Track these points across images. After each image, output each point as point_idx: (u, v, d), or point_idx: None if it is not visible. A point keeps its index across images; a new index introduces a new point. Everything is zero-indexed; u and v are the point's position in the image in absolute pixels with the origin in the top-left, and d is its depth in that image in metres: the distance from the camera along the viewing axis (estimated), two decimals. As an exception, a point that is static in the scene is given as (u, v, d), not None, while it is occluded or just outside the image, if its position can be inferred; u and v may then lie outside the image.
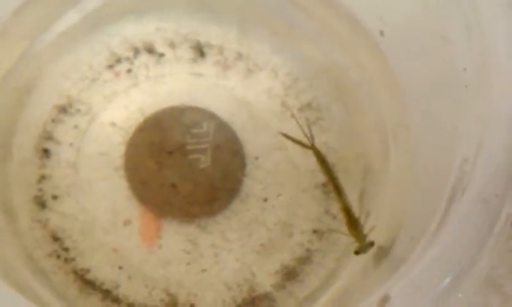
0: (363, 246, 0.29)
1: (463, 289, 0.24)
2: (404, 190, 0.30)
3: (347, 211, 0.30)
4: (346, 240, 0.31)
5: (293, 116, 0.32)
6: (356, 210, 0.30)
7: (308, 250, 0.31)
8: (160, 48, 0.33)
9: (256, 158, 0.32)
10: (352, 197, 0.31)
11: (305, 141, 0.31)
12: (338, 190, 0.30)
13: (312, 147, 0.31)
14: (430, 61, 0.28)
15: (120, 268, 0.30)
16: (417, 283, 0.23)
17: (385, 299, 0.22)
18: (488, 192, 0.24)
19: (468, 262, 0.23)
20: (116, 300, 0.30)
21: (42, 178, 0.31)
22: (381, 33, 0.31)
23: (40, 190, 0.31)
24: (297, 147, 0.32)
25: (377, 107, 0.32)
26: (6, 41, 0.32)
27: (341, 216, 0.30)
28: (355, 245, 0.29)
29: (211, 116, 0.33)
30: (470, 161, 0.25)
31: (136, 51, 0.33)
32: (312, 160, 0.32)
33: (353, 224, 0.29)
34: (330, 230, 0.31)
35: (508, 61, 0.25)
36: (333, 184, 0.30)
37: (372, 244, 0.29)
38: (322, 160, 0.31)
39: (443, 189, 0.25)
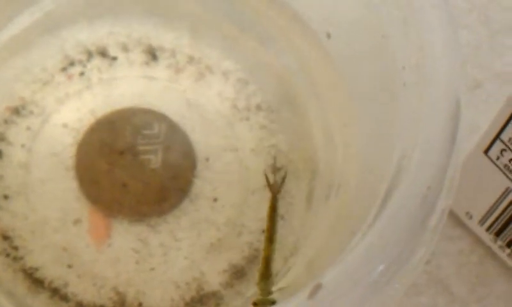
0: (264, 301, 0.29)
1: (399, 280, 0.24)
2: (348, 190, 0.30)
3: (268, 263, 0.30)
4: (293, 241, 0.31)
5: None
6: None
7: (256, 250, 0.31)
8: (113, 51, 0.34)
9: (207, 159, 0.33)
10: (300, 200, 0.32)
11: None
12: (271, 241, 0.30)
13: (274, 193, 0.31)
14: (373, 61, 0.29)
15: (69, 266, 0.31)
16: (349, 272, 0.23)
17: (317, 287, 0.23)
18: (421, 185, 0.24)
19: (403, 253, 0.24)
20: (64, 298, 0.30)
21: (-7, 178, 0.32)
22: (328, 35, 0.31)
23: (-9, 189, 0.31)
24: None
25: (324, 108, 0.33)
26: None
27: (261, 265, 0.30)
28: (257, 298, 0.29)
29: (162, 118, 0.33)
30: (407, 157, 0.25)
31: (89, 54, 0.34)
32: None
33: (266, 277, 0.29)
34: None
35: (443, 57, 0.25)
36: (270, 233, 0.30)
37: (273, 303, 0.28)
38: (273, 208, 0.31)
39: (382, 185, 0.26)
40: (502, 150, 0.29)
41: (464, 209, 0.32)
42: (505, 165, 0.29)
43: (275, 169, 0.32)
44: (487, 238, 0.32)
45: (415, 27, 0.26)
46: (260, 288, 0.29)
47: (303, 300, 0.23)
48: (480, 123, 0.30)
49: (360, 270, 0.23)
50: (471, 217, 0.32)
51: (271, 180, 0.31)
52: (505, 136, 0.28)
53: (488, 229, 0.32)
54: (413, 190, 0.24)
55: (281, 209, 0.32)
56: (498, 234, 0.32)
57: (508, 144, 0.29)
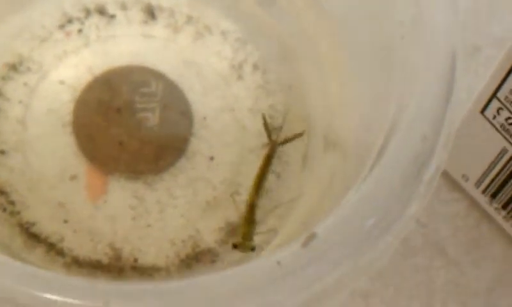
0: (244, 245, 0.29)
1: (392, 233, 0.24)
2: (344, 148, 0.30)
3: (253, 209, 0.30)
4: (289, 199, 0.31)
5: (266, 127, 0.32)
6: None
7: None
8: (111, 9, 0.34)
9: (204, 118, 0.33)
10: (296, 160, 0.32)
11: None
12: (259, 188, 0.30)
13: (272, 143, 0.32)
14: (370, 17, 0.29)
15: (65, 222, 0.31)
16: (342, 222, 0.23)
17: (311, 236, 0.23)
18: (416, 136, 0.24)
19: (396, 206, 0.24)
20: (60, 253, 0.30)
21: (-10, 133, 0.32)
22: (326, -7, 0.31)
23: (-12, 145, 0.31)
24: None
25: (322, 68, 0.33)
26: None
27: (245, 209, 0.30)
28: (237, 240, 0.29)
29: (160, 77, 0.33)
30: (402, 110, 0.25)
31: (88, 12, 0.34)
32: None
33: (250, 222, 0.30)
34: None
35: (440, 10, 0.25)
36: (259, 180, 0.31)
37: (253, 249, 0.29)
38: (269, 156, 0.31)
39: (377, 141, 0.26)
40: (499, 109, 0.29)
41: (461, 171, 0.32)
42: (502, 125, 0.29)
43: (267, 125, 0.32)
44: (483, 200, 0.32)
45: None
46: (243, 232, 0.30)
47: (297, 248, 0.23)
48: (480, 87, 0.30)
49: (353, 221, 0.23)
50: (467, 180, 0.32)
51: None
52: (501, 94, 0.28)
53: (483, 191, 0.32)
54: (408, 142, 0.24)
55: (278, 168, 0.32)
56: (493, 196, 0.32)
57: (505, 102, 0.29)
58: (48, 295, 0.22)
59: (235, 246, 0.29)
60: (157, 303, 0.22)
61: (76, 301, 0.22)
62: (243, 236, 0.29)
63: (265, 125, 0.32)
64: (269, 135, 0.32)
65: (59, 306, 0.22)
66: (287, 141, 0.32)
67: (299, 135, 0.32)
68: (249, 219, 0.30)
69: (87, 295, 0.22)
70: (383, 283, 0.32)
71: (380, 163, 0.24)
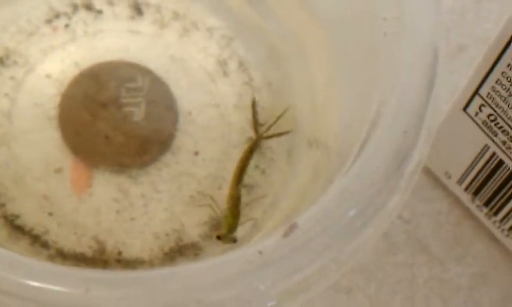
0: (227, 236, 0.30)
1: (373, 225, 0.24)
2: (328, 144, 0.30)
3: (237, 201, 0.30)
4: (273, 194, 0.32)
5: (253, 115, 0.32)
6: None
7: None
8: (98, 5, 0.34)
9: (189, 114, 0.33)
10: (280, 156, 0.32)
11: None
12: (241, 179, 0.31)
13: (258, 136, 0.32)
14: (355, 14, 0.29)
15: (50, 214, 0.31)
16: (323, 213, 0.23)
17: (292, 226, 0.23)
18: (397, 130, 0.24)
19: (378, 198, 0.24)
20: (44, 245, 0.30)
21: (-24, 126, 0.32)
22: (312, -9, 0.32)
23: (-26, 138, 0.32)
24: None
25: (307, 66, 0.33)
26: None
27: (226, 200, 0.30)
28: (221, 232, 0.30)
29: (146, 72, 0.33)
30: (385, 103, 0.25)
31: (75, 7, 0.34)
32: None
33: (234, 214, 0.30)
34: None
35: (422, 7, 0.26)
36: (240, 172, 0.31)
37: (235, 241, 0.29)
38: (251, 150, 0.31)
39: (360, 135, 0.26)
40: (481, 105, 0.29)
41: (444, 169, 0.33)
42: (484, 121, 0.29)
43: (255, 111, 0.32)
44: (465, 198, 0.33)
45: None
46: (227, 224, 0.30)
47: (279, 238, 0.23)
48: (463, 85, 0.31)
49: (334, 212, 0.24)
50: (450, 177, 0.33)
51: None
52: (483, 91, 0.29)
53: (466, 188, 0.32)
54: (389, 135, 0.24)
55: (262, 164, 0.32)
56: (475, 193, 0.32)
57: (487, 99, 0.29)
58: (30, 282, 0.22)
59: (218, 238, 0.30)
60: (139, 290, 0.22)
61: (58, 288, 0.22)
62: (228, 228, 0.30)
63: (254, 111, 0.32)
64: (255, 124, 0.32)
65: (41, 292, 0.22)
66: (272, 136, 0.32)
67: (286, 132, 0.32)
68: (235, 211, 0.30)
69: (68, 282, 0.22)
70: (365, 278, 0.32)
71: (362, 156, 0.24)
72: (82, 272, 0.23)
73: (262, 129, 0.32)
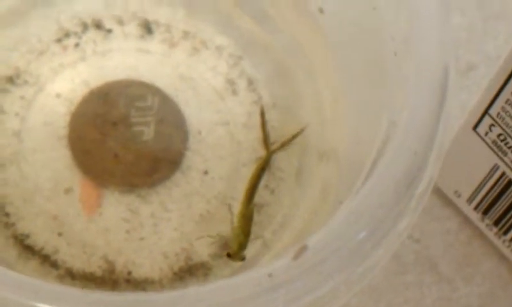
0: (236, 255, 0.30)
1: (384, 246, 0.24)
2: (337, 162, 0.30)
3: (249, 220, 0.30)
4: (283, 215, 0.32)
5: (263, 126, 0.33)
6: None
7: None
8: (108, 24, 0.34)
9: (199, 133, 0.33)
10: (289, 175, 0.32)
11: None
12: (252, 197, 0.31)
13: (268, 152, 0.32)
14: (364, 33, 0.29)
15: (60, 234, 0.31)
16: (334, 235, 0.23)
17: (303, 248, 0.23)
18: (407, 151, 0.24)
19: (388, 219, 0.24)
20: (54, 265, 0.30)
21: (-14, 145, 0.32)
22: (320, 10, 0.32)
23: (-16, 157, 0.32)
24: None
25: (316, 84, 0.33)
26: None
27: (237, 218, 0.31)
28: (231, 250, 0.30)
29: (156, 91, 0.33)
30: (395, 125, 0.25)
31: (85, 26, 0.34)
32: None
33: (245, 232, 0.30)
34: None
35: (432, 27, 0.26)
36: (252, 189, 0.31)
37: (243, 259, 0.30)
38: (262, 168, 0.32)
39: (370, 154, 0.26)
40: (491, 125, 0.29)
41: (453, 188, 0.33)
42: (494, 141, 0.29)
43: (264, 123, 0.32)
44: (475, 217, 0.33)
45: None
46: (238, 242, 0.30)
47: (288, 261, 0.23)
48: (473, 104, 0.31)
49: (344, 234, 0.24)
50: (459, 196, 0.33)
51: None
52: (493, 111, 0.29)
53: (475, 208, 0.32)
54: (399, 156, 0.24)
55: (271, 183, 0.32)
56: (485, 212, 0.32)
57: (496, 119, 0.29)
58: (40, 304, 0.22)
59: (228, 255, 0.30)
60: (149, 313, 0.22)
61: (68, 310, 0.22)
62: (238, 246, 0.30)
63: (263, 123, 0.32)
64: (266, 138, 0.32)
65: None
66: (282, 145, 0.32)
67: (295, 137, 0.32)
68: (245, 231, 0.30)
69: (78, 304, 0.22)
70: (375, 298, 0.32)
71: (372, 177, 0.24)
72: (91, 294, 0.23)
73: (272, 146, 0.32)
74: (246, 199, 0.31)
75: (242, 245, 0.30)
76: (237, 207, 0.31)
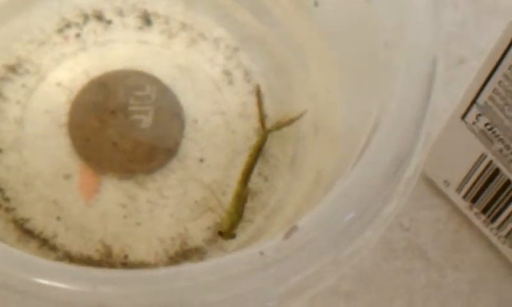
0: (227, 233, 0.31)
1: (372, 228, 0.25)
2: (329, 150, 0.31)
3: (243, 201, 0.31)
4: (276, 201, 0.32)
5: (259, 106, 0.34)
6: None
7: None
8: (108, 15, 0.35)
9: (196, 121, 0.34)
10: (283, 162, 0.33)
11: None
12: (248, 178, 0.32)
13: (265, 131, 0.33)
14: (357, 26, 0.30)
15: (58, 219, 0.32)
16: (323, 217, 0.24)
17: (293, 229, 0.24)
18: (395, 137, 0.25)
19: (375, 202, 0.25)
20: (53, 248, 0.31)
21: (-12, 132, 0.33)
22: (315, 3, 0.32)
23: (-14, 143, 0.33)
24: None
25: (310, 75, 0.34)
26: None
27: (232, 197, 0.32)
28: (223, 228, 0.31)
29: (154, 81, 0.34)
30: (384, 113, 0.26)
31: (86, 17, 0.35)
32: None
33: (238, 213, 0.31)
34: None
35: (422, 20, 0.27)
36: (248, 169, 0.32)
37: (233, 236, 0.31)
38: (259, 147, 0.32)
39: (360, 141, 0.27)
40: (478, 115, 0.30)
41: (443, 177, 0.33)
42: (481, 130, 0.30)
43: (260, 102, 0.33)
44: (463, 205, 0.33)
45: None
46: (229, 220, 0.31)
47: (279, 240, 0.24)
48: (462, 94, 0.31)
49: (333, 216, 0.24)
50: (448, 185, 0.33)
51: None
52: (480, 100, 0.29)
53: (464, 196, 0.33)
54: (388, 142, 0.25)
55: (266, 171, 0.33)
56: (474, 201, 0.33)
57: (484, 108, 0.30)
58: (40, 280, 0.23)
59: (220, 233, 0.31)
60: (143, 288, 0.23)
61: (66, 286, 0.23)
62: (229, 224, 0.31)
63: (259, 102, 0.33)
64: (262, 117, 0.33)
65: (51, 290, 0.23)
66: (278, 125, 0.33)
67: (296, 119, 0.33)
68: (238, 211, 0.31)
69: (76, 280, 0.23)
70: (365, 283, 0.33)
71: (361, 161, 0.25)
72: (90, 271, 0.23)
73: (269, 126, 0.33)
74: (242, 179, 0.32)
75: (234, 224, 0.31)
76: (231, 194, 0.32)
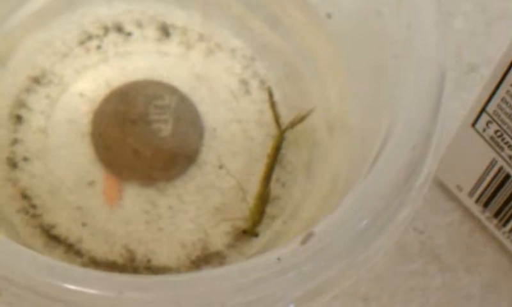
0: (250, 231, 0.32)
1: (385, 234, 0.26)
2: (343, 156, 0.32)
3: (264, 201, 0.33)
4: (293, 207, 0.33)
5: (271, 105, 0.35)
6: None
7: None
8: (128, 27, 0.36)
9: (214, 129, 0.35)
10: (300, 169, 0.34)
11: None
12: (269, 179, 0.33)
13: (281, 130, 0.34)
14: (368, 37, 0.31)
15: (84, 225, 0.33)
16: (338, 222, 0.25)
17: (309, 234, 0.25)
18: (407, 145, 0.26)
19: (389, 209, 0.26)
20: (78, 253, 0.32)
21: (14, 141, 0.34)
22: (328, 15, 0.33)
23: (12, 152, 0.34)
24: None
25: (323, 84, 0.35)
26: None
27: (255, 197, 0.33)
28: (248, 226, 0.32)
29: (173, 90, 0.35)
30: (395, 120, 0.27)
31: (106, 30, 0.36)
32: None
33: (260, 213, 0.33)
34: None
35: (430, 32, 0.27)
36: (269, 170, 0.33)
37: (256, 235, 0.32)
38: (277, 147, 0.34)
39: (373, 149, 0.28)
40: (488, 122, 0.31)
41: (455, 182, 0.34)
42: (491, 137, 0.31)
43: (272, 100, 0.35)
44: (476, 209, 0.34)
45: (405, 5, 0.28)
46: (252, 219, 0.32)
47: (296, 245, 0.25)
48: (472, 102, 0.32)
49: (348, 222, 0.25)
50: (461, 190, 0.34)
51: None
52: (490, 108, 0.30)
53: (476, 200, 0.34)
54: (399, 151, 0.26)
55: (282, 177, 0.34)
56: (486, 205, 0.34)
57: (493, 116, 0.30)
58: (67, 285, 0.24)
59: (244, 232, 0.32)
60: (167, 294, 0.24)
61: (93, 291, 0.24)
62: (252, 223, 0.32)
63: (272, 103, 0.34)
64: (276, 117, 0.34)
65: (78, 295, 0.24)
66: (292, 124, 0.34)
67: (307, 115, 0.34)
68: (260, 211, 0.32)
69: (103, 285, 0.24)
70: (380, 287, 0.34)
71: (374, 169, 0.26)
72: (116, 276, 0.25)
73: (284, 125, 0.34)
74: (263, 179, 0.33)
75: (256, 223, 0.32)
76: (250, 200, 0.33)
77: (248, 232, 0.32)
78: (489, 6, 0.40)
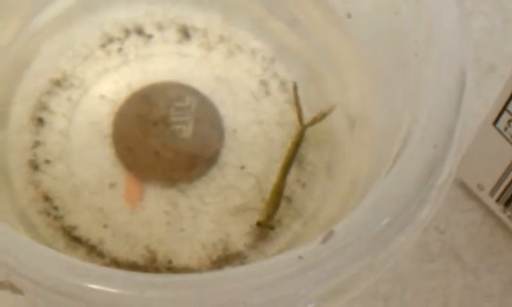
0: (266, 223, 0.32)
1: (406, 233, 0.26)
2: (363, 156, 0.32)
3: (280, 192, 0.33)
4: (313, 207, 0.33)
5: (296, 101, 0.35)
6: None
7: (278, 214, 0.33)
8: (149, 30, 0.36)
9: (235, 131, 0.35)
10: (320, 169, 0.34)
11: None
12: (286, 172, 0.33)
13: (303, 125, 0.34)
14: (388, 36, 0.31)
15: (105, 226, 0.33)
16: (358, 222, 0.25)
17: (330, 233, 0.25)
18: (428, 144, 0.26)
19: (409, 208, 0.26)
20: (100, 254, 0.32)
21: (36, 144, 0.34)
22: (348, 15, 0.34)
23: (34, 155, 0.34)
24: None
25: (344, 84, 0.35)
26: (3, 21, 0.35)
27: (271, 191, 0.33)
28: (261, 219, 0.33)
29: (194, 92, 0.35)
30: (416, 120, 0.27)
31: (127, 32, 0.36)
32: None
33: (275, 204, 0.33)
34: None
35: (450, 30, 0.27)
36: (287, 163, 0.33)
37: (272, 228, 0.33)
38: (297, 142, 0.34)
39: (393, 149, 0.28)
40: (509, 121, 0.31)
41: (476, 181, 0.34)
42: (512, 136, 0.31)
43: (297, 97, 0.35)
44: (497, 209, 0.34)
45: (424, 4, 0.28)
46: (267, 211, 0.33)
47: (317, 244, 0.25)
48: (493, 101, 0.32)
49: (368, 221, 0.25)
50: (482, 189, 0.34)
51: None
52: (511, 107, 0.30)
53: (497, 200, 0.34)
54: (420, 150, 0.26)
55: (303, 178, 0.34)
56: (507, 204, 0.34)
57: (514, 114, 0.31)
58: (89, 285, 0.24)
59: (259, 224, 0.32)
60: (189, 293, 0.24)
61: (115, 290, 0.24)
62: (268, 215, 0.32)
63: (296, 98, 0.34)
64: (299, 112, 0.34)
65: (99, 294, 0.24)
66: (314, 121, 0.34)
67: (329, 112, 0.34)
68: (277, 202, 0.33)
69: (125, 285, 0.24)
70: (402, 286, 0.34)
71: (394, 168, 0.26)
72: (138, 276, 0.25)
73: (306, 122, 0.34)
74: (281, 172, 0.33)
75: (270, 215, 0.32)
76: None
77: (263, 224, 0.32)
78: (508, 5, 0.40)
